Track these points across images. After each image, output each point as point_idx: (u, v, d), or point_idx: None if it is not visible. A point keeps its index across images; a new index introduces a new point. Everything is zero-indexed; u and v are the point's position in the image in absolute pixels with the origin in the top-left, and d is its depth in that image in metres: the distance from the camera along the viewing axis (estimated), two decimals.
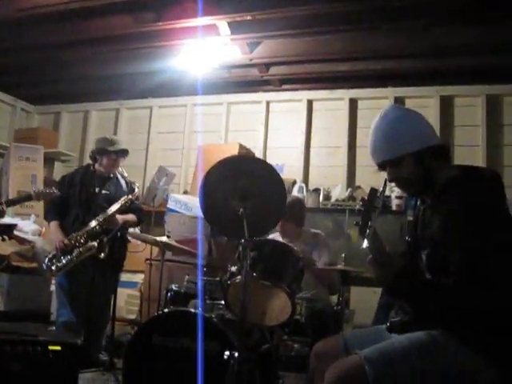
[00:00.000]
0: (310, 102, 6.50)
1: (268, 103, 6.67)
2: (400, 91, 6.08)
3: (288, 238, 4.18)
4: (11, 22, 5.34)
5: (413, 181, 2.16)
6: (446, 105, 5.92)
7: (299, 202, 4.41)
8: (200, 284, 3.48)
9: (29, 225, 5.65)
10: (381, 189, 2.11)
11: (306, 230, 4.31)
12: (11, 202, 4.33)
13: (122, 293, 5.37)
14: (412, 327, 2.10)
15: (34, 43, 5.79)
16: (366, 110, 6.24)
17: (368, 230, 1.95)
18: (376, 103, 6.09)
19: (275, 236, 4.20)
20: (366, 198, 2.07)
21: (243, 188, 2.88)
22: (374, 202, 2.04)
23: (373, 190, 2.07)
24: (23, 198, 4.40)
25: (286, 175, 6.02)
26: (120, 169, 4.71)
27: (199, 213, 4.98)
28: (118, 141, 4.73)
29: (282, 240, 4.07)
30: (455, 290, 1.93)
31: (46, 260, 4.38)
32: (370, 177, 5.69)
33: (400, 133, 2.16)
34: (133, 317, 5.55)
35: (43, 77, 6.84)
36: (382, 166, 2.21)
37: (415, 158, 2.13)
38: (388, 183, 2.21)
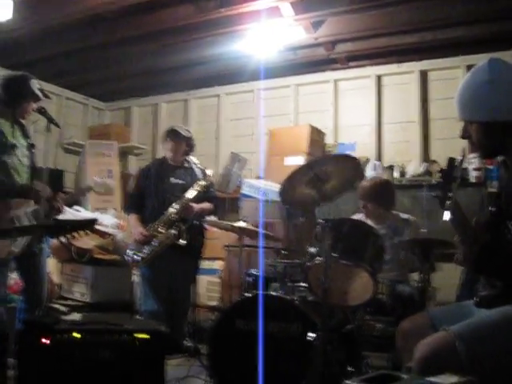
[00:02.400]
0: (378, 78, 6.34)
1: (336, 82, 6.56)
2: (472, 59, 5.83)
3: (371, 219, 4.08)
4: (79, 22, 5.46)
5: (479, 146, 2.13)
6: None
7: (384, 184, 4.19)
8: (261, 267, 3.48)
9: (108, 218, 5.80)
10: (459, 158, 2.02)
11: (395, 215, 4.12)
12: (71, 198, 4.44)
13: (203, 280, 5.44)
14: (501, 301, 2.02)
15: (102, 41, 5.91)
16: (437, 81, 6.03)
17: (448, 202, 1.87)
18: (448, 73, 5.89)
19: (360, 217, 4.12)
20: (445, 168, 1.99)
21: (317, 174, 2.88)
22: (453, 171, 1.96)
23: (451, 160, 1.98)
24: (82, 191, 4.52)
25: (358, 153, 5.93)
26: (192, 158, 4.75)
27: (274, 196, 5.00)
28: (175, 126, 4.77)
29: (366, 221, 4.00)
30: None
31: (128, 252, 4.49)
32: (446, 150, 5.56)
33: (475, 98, 2.08)
34: (214, 303, 5.60)
35: (112, 74, 6.98)
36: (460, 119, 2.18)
37: (483, 127, 2.07)
38: (466, 154, 2.13)
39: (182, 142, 4.64)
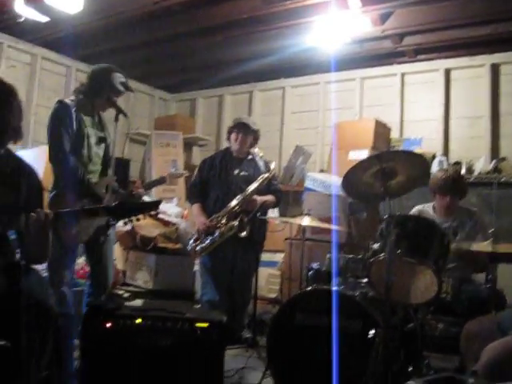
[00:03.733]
0: (447, 71, 6.17)
1: (403, 75, 6.43)
2: None
3: (439, 213, 3.99)
4: (147, 15, 5.54)
5: None
6: None
7: (457, 175, 4.04)
8: (335, 262, 3.45)
9: (172, 207, 5.89)
10: None
11: (461, 208, 4.03)
12: (147, 186, 4.52)
13: (263, 272, 5.45)
14: None
15: (168, 33, 5.98)
16: (510, 75, 5.82)
17: None
18: None
19: (424, 208, 4.04)
20: None
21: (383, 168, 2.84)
22: None
23: None
24: (158, 181, 4.59)
25: (424, 149, 5.80)
26: (256, 150, 4.75)
27: (338, 191, 4.96)
28: (242, 118, 4.79)
29: (433, 215, 3.92)
30: None
31: (190, 241, 4.55)
32: None
33: None
34: (274, 296, 5.62)
35: (178, 65, 7.07)
36: None
37: None
38: None
39: (250, 134, 4.65)
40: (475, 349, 2.03)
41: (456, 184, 3.90)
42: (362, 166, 2.96)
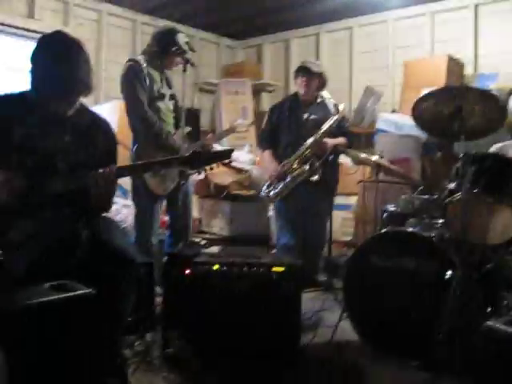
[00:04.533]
0: None
1: (476, 6, 6.10)
2: None
3: None
4: None
5: None
6: None
7: None
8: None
9: (244, 155, 5.95)
10: None
11: None
12: (218, 136, 4.63)
13: (337, 215, 5.43)
14: None
15: None
16: None
17: None
18: None
19: (505, 147, 3.90)
20: None
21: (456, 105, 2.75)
22: None
23: None
24: (227, 131, 4.68)
25: (501, 83, 5.55)
26: (324, 93, 4.70)
27: (410, 131, 4.86)
28: (306, 62, 4.71)
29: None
30: None
31: (263, 188, 4.59)
32: None
33: None
34: (348, 238, 5.63)
35: (243, 12, 6.95)
36: None
37: None
38: None
39: (313, 77, 4.59)
40: None
41: None
42: (430, 98, 2.88)
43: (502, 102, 3.21)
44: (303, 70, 4.59)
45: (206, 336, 2.96)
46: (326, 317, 3.82)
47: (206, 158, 2.59)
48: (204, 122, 7.45)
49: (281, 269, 3.02)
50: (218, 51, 8.03)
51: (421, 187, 3.65)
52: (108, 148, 2.63)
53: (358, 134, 5.47)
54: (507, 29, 5.87)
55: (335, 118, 4.49)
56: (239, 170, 5.52)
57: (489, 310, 3.05)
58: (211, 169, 2.92)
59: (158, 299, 3.33)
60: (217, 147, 5.30)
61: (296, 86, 4.71)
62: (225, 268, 3.03)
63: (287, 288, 3.01)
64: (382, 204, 3.95)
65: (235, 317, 2.97)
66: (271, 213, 5.28)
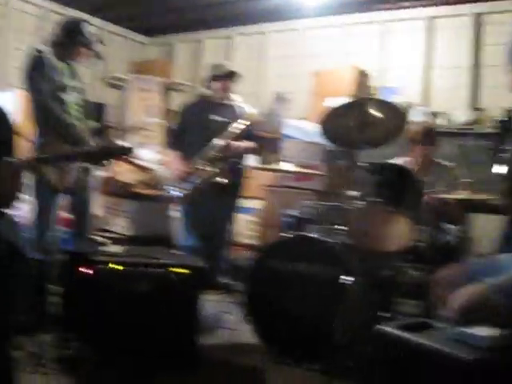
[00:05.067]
0: (430, 20, 6.09)
1: (385, 23, 6.33)
2: None
3: (416, 164, 4.02)
4: None
5: None
6: None
7: (428, 129, 4.09)
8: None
9: (151, 154, 5.85)
10: None
11: (437, 162, 4.09)
12: (123, 131, 4.52)
13: (242, 219, 5.46)
14: None
15: None
16: (493, 25, 5.76)
17: (503, 154, 1.80)
18: (505, 17, 5.59)
19: (403, 162, 4.06)
20: (504, 119, 1.89)
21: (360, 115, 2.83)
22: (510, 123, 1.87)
23: (510, 111, 1.88)
24: (132, 129, 4.59)
25: (403, 98, 5.78)
26: (236, 96, 4.71)
27: (316, 138, 4.94)
28: (226, 64, 4.73)
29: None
30: None
31: (169, 188, 4.54)
32: (496, 99, 5.37)
33: None
34: (252, 242, 5.66)
35: (156, 7, 6.87)
36: None
37: None
38: None
39: (233, 81, 4.61)
40: (446, 295, 2.07)
41: (432, 136, 3.94)
42: (339, 111, 2.95)
43: (403, 113, 3.33)
44: (231, 75, 4.60)
45: (106, 337, 2.88)
46: (226, 319, 3.83)
47: (105, 152, 2.53)
48: (110, 117, 7.26)
49: (182, 270, 3.00)
50: (128, 46, 7.86)
51: (322, 194, 3.73)
52: (2, 138, 2.50)
53: (265, 139, 5.51)
54: (412, 47, 6.13)
55: (244, 121, 4.52)
56: (145, 169, 5.43)
57: (383, 315, 3.16)
58: (111, 163, 2.87)
59: (55, 298, 3.21)
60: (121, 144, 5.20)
61: (208, 88, 4.68)
62: (125, 268, 2.97)
63: (187, 289, 2.99)
64: (285, 209, 4.00)
65: (135, 317, 2.91)
66: (176, 213, 5.22)
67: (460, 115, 5.55)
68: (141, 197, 5.33)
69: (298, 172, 4.21)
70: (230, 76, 4.61)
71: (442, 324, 1.94)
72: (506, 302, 1.83)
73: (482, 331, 1.67)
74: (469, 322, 1.79)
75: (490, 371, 1.62)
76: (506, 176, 1.82)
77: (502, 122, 1.89)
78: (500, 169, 1.81)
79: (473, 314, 1.86)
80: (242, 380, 2.93)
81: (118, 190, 5.35)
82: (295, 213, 3.62)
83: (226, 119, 4.59)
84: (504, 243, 4.12)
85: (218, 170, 4.34)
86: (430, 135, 3.95)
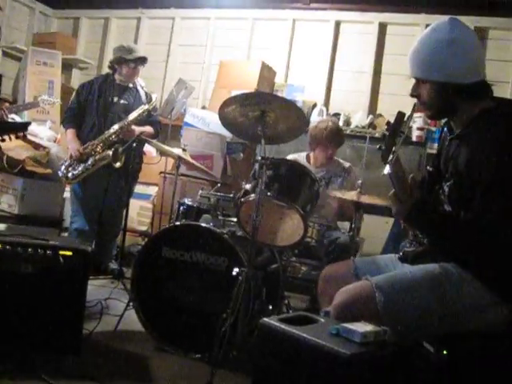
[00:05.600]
0: (337, 24, 6.24)
1: (294, 21, 6.42)
2: (433, 19, 5.76)
3: (313, 163, 4.10)
4: None
5: (429, 106, 2.10)
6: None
7: (335, 128, 4.11)
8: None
9: (44, 131, 5.61)
10: (408, 113, 2.00)
11: (336, 161, 4.19)
12: (18, 108, 4.29)
13: (135, 204, 5.40)
14: (425, 258, 2.07)
15: None
16: (395, 35, 5.99)
17: (391, 156, 1.86)
18: (406, 30, 5.84)
19: (299, 157, 4.12)
20: (393, 121, 1.96)
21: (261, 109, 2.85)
22: (401, 126, 1.93)
23: (400, 114, 1.95)
24: (29, 105, 4.38)
25: (306, 97, 5.91)
26: (139, 79, 4.63)
27: (217, 129, 4.95)
28: (136, 49, 4.63)
29: (306, 164, 4.00)
30: (475, 224, 1.88)
31: (62, 167, 4.40)
32: (393, 106, 5.58)
33: (432, 56, 2.02)
34: (144, 228, 5.60)
35: None
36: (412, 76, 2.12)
37: (437, 87, 2.03)
38: (415, 111, 2.10)
39: (142, 66, 4.53)
40: (330, 291, 2.12)
41: (339, 136, 4.03)
42: (236, 101, 2.95)
43: (304, 113, 3.38)
44: (143, 61, 4.50)
45: None
46: (113, 305, 3.77)
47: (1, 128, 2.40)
48: (5, 89, 6.91)
49: (68, 253, 2.88)
50: (30, 16, 7.47)
51: (218, 185, 3.73)
52: None
53: (165, 125, 5.45)
54: (318, 47, 6.25)
55: (146, 107, 4.46)
56: (37, 146, 5.19)
57: (270, 307, 3.21)
58: (3, 140, 2.70)
59: None
60: (15, 118, 4.98)
61: (119, 70, 4.55)
62: (7, 247, 2.82)
63: (73, 273, 2.88)
64: (180, 197, 3.97)
65: (17, 300, 2.77)
66: (67, 194, 5.06)
67: (358, 119, 5.73)
68: (31, 174, 5.09)
69: (196, 162, 4.17)
70: (140, 61, 4.52)
71: (325, 319, 1.98)
72: (386, 300, 1.90)
73: (361, 327, 1.72)
74: (350, 318, 1.84)
75: (365, 365, 1.67)
76: (390, 177, 1.88)
77: (389, 123, 1.96)
78: (387, 170, 1.86)
79: (354, 310, 1.92)
80: (126, 368, 2.87)
81: (7, 166, 5.09)
82: (190, 202, 3.59)
83: (126, 102, 4.52)
84: (390, 244, 4.33)
85: (114, 154, 4.24)
86: (337, 135, 4.04)
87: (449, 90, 2.02)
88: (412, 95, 2.13)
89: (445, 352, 1.90)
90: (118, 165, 4.27)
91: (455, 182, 2.03)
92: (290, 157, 4.13)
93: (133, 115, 4.37)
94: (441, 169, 2.20)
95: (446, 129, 2.24)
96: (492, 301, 1.90)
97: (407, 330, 1.89)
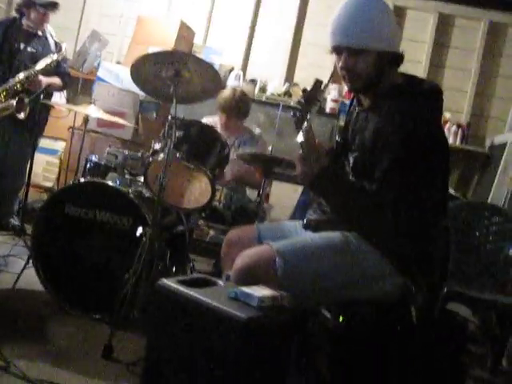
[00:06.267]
0: None
1: None
2: None
3: (224, 130, 4.05)
4: None
5: (363, 77, 2.01)
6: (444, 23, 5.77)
7: (241, 96, 3.99)
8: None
9: None
10: (325, 82, 1.97)
11: (246, 128, 4.11)
12: None
13: (41, 159, 5.22)
14: (327, 227, 2.10)
15: None
16: (317, 5, 5.98)
17: (305, 123, 1.85)
18: (329, 0, 5.84)
19: (213, 122, 4.06)
20: (309, 89, 1.93)
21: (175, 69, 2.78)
22: (317, 94, 1.91)
23: (317, 82, 1.92)
24: None
25: (224, 60, 5.84)
26: (49, 27, 4.41)
27: (130, 86, 4.81)
28: None
29: (218, 129, 3.94)
30: (376, 195, 1.92)
31: None
32: (309, 76, 5.59)
33: (375, 25, 1.97)
34: (49, 184, 5.43)
35: None
36: (337, 50, 2.03)
37: (378, 57, 1.98)
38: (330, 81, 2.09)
39: (53, 12, 4.31)
40: (233, 255, 2.12)
41: (235, 107, 3.91)
42: (150, 58, 2.88)
43: (220, 76, 3.33)
44: (54, 6, 4.27)
45: None
46: (13, 263, 3.67)
47: None
48: None
49: None
50: None
51: (131, 144, 3.64)
52: None
53: (76, 78, 5.25)
54: (241, 11, 6.15)
55: (55, 56, 4.26)
56: None
57: (174, 269, 3.20)
58: None
59: None
60: None
61: (28, 15, 4.32)
62: None
63: None
64: (88, 154, 3.85)
65: None
66: None
67: (274, 86, 5.73)
68: None
69: (106, 118, 4.05)
70: (51, 7, 4.30)
71: (225, 282, 1.98)
72: (286, 265, 1.92)
73: (259, 291, 1.73)
74: (250, 282, 1.85)
75: (262, 329, 1.69)
76: (301, 145, 1.87)
77: (305, 91, 1.93)
78: (300, 137, 1.85)
79: (254, 274, 1.93)
80: (24, 327, 2.79)
81: None
82: (97, 159, 3.49)
83: (35, 50, 4.32)
84: (298, 211, 4.39)
85: (18, 104, 4.04)
86: (235, 106, 3.95)
87: (384, 60, 2.00)
88: (343, 69, 2.02)
89: (341, 319, 1.94)
90: (21, 116, 4.08)
91: (360, 154, 2.06)
92: (204, 120, 4.06)
93: (40, 64, 4.17)
94: (348, 140, 2.22)
95: (354, 101, 2.25)
96: (389, 272, 1.96)
97: (305, 296, 1.92)
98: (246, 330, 1.63)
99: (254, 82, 5.77)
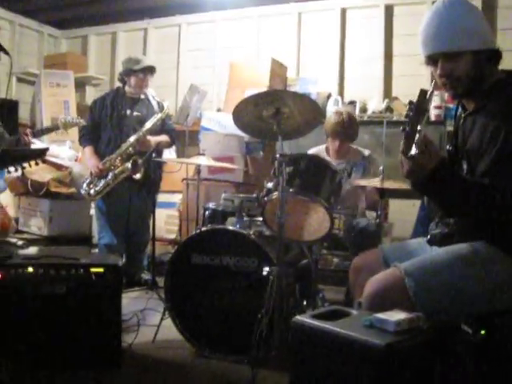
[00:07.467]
0: (343, 11, 6.19)
1: (300, 14, 6.39)
2: None
3: (332, 154, 4.06)
4: None
5: (464, 80, 1.98)
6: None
7: (348, 118, 3.98)
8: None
9: (65, 151, 5.68)
10: (430, 90, 1.92)
11: (355, 150, 4.10)
12: (39, 133, 4.31)
13: (161, 213, 5.43)
14: (453, 239, 2.04)
15: None
16: (402, 16, 5.91)
17: (417, 136, 1.79)
18: (413, 9, 5.76)
19: (318, 151, 4.09)
20: (416, 100, 1.88)
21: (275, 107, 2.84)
22: (424, 104, 1.85)
23: (422, 92, 1.85)
24: (50, 129, 4.40)
25: (320, 88, 5.87)
26: (150, 89, 4.65)
27: (234, 130, 4.95)
28: (144, 59, 4.67)
29: (326, 156, 3.96)
30: (490, 188, 1.84)
31: (84, 185, 4.44)
32: (407, 87, 5.54)
33: (465, 26, 1.95)
34: (173, 236, 5.63)
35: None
36: (432, 59, 2.02)
37: (474, 56, 1.95)
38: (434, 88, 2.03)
39: (151, 76, 4.55)
40: (361, 281, 2.10)
41: (347, 129, 3.94)
42: (249, 102, 2.94)
43: (319, 105, 3.34)
44: (149, 70, 4.51)
45: (19, 348, 2.76)
46: (149, 316, 3.79)
47: (17, 156, 2.42)
48: (23, 114, 7.00)
49: (100, 269, 2.91)
50: (39, 39, 7.55)
51: (243, 186, 3.72)
52: None
53: (182, 132, 5.47)
54: (327, 37, 6.21)
55: (159, 115, 4.48)
56: (59, 167, 5.26)
57: (305, 303, 3.20)
58: (23, 168, 2.73)
59: None
60: (35, 142, 5.03)
61: (129, 82, 4.59)
62: (40, 270, 2.86)
63: (106, 289, 2.92)
64: (205, 202, 3.98)
65: (53, 321, 2.81)
66: (92, 211, 5.11)
67: (374, 104, 5.68)
68: (56, 195, 5.16)
69: (217, 164, 4.18)
70: (148, 71, 4.54)
71: (357, 311, 1.97)
72: (416, 285, 1.88)
73: (394, 316, 1.70)
74: (382, 307, 1.82)
75: (402, 354, 1.65)
76: (411, 157, 1.80)
77: (411, 103, 1.86)
78: (413, 150, 1.77)
79: (386, 299, 1.90)
80: (169, 377, 2.89)
81: (32, 190, 5.17)
82: (214, 206, 3.59)
83: (139, 113, 4.54)
84: (419, 226, 4.28)
85: (133, 166, 4.26)
86: (346, 129, 3.96)
87: (481, 58, 1.96)
88: (442, 76, 2.01)
89: (483, 332, 1.87)
90: (138, 176, 4.29)
91: (473, 157, 2.00)
92: (310, 151, 4.10)
93: (147, 125, 4.40)
94: (458, 148, 2.16)
95: (459, 108, 2.20)
96: None
97: (441, 314, 1.87)
98: (385, 356, 1.60)
99: (353, 103, 5.75)
